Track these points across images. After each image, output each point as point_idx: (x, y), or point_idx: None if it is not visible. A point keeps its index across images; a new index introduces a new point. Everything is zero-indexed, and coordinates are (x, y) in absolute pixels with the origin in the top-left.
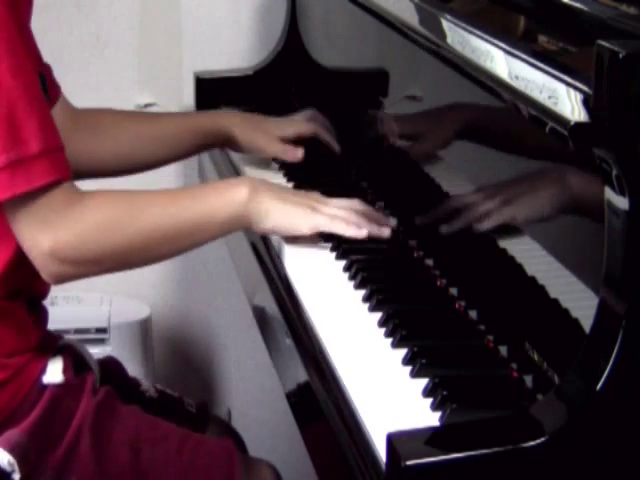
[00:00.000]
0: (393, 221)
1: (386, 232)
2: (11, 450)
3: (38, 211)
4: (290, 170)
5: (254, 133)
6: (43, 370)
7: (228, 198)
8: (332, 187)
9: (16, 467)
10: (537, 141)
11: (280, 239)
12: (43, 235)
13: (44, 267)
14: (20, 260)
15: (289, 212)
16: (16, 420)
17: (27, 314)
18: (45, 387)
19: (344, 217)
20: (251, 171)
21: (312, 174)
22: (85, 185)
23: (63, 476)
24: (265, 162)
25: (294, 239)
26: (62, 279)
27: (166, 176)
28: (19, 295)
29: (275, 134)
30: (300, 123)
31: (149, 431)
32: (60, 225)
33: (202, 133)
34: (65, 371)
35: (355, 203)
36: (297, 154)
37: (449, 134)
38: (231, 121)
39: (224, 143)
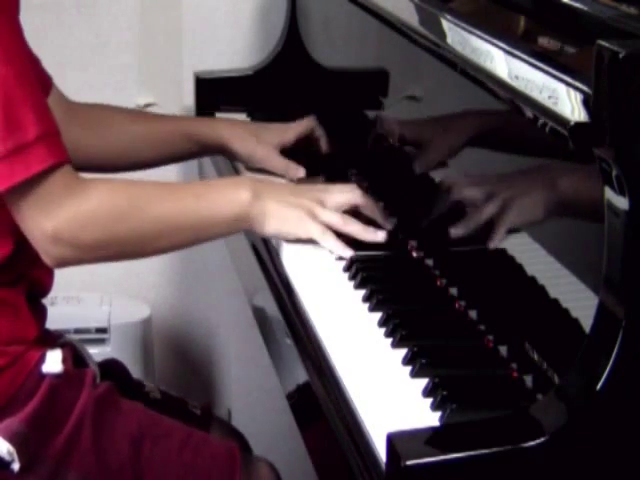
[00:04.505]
0: (391, 222)
1: (380, 236)
2: (10, 439)
3: (39, 196)
4: None
5: (255, 147)
6: (42, 359)
7: (231, 199)
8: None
9: (15, 456)
10: (539, 142)
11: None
12: (45, 218)
13: (46, 250)
14: (19, 248)
15: (287, 218)
16: (15, 408)
17: (26, 306)
18: (44, 376)
19: (338, 225)
20: (250, 172)
21: (312, 174)
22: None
23: (62, 467)
24: None
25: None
26: (62, 263)
27: (164, 171)
28: (17, 283)
29: (276, 143)
30: (297, 124)
31: (152, 427)
32: (61, 208)
33: (198, 140)
34: (64, 362)
35: (356, 195)
36: (298, 173)
37: (458, 144)
38: (231, 132)
39: (221, 152)
